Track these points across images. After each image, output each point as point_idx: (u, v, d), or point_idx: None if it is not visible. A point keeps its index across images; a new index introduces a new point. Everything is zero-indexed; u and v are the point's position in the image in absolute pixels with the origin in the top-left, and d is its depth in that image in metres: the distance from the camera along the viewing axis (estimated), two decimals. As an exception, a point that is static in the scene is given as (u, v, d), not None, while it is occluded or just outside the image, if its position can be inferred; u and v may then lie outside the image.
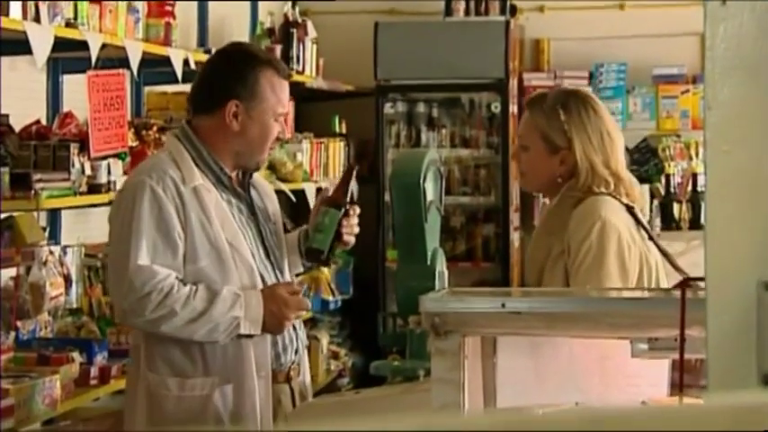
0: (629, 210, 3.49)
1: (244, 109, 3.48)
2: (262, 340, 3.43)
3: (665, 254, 3.50)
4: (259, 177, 3.74)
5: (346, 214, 3.54)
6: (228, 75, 3.53)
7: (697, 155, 7.22)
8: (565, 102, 3.53)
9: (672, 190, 7.29)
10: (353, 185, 3.62)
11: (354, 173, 3.65)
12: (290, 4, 7.37)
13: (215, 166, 3.49)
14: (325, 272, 7.20)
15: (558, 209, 3.51)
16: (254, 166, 3.56)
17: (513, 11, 7.88)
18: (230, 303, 3.35)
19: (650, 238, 3.49)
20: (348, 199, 3.55)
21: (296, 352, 3.57)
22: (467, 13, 7.82)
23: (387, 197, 7.13)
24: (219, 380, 3.39)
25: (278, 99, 3.51)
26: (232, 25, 7.09)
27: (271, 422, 3.44)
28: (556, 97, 3.57)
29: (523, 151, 3.59)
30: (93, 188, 4.75)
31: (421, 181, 3.66)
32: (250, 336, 3.41)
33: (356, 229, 3.58)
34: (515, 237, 7.73)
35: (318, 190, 6.92)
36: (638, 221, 3.50)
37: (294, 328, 3.57)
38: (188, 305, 3.32)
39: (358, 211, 3.59)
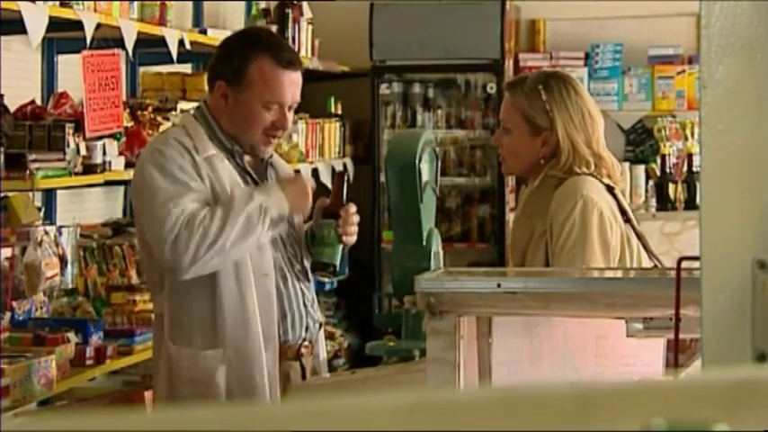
0: (610, 190, 3.49)
1: (230, 91, 3.47)
2: (269, 312, 3.44)
3: (639, 237, 3.50)
4: (279, 159, 3.72)
5: (339, 218, 3.54)
6: (222, 55, 3.54)
7: (693, 135, 7.22)
8: (545, 82, 3.53)
9: (667, 170, 7.29)
10: (348, 165, 3.63)
11: (345, 179, 3.62)
12: (285, -16, 7.35)
13: (227, 143, 3.49)
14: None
15: (539, 190, 3.51)
16: (249, 150, 3.53)
17: (509, -9, 7.86)
18: (248, 196, 3.38)
19: (627, 220, 3.49)
20: (343, 204, 3.56)
21: (306, 329, 3.57)
22: (462, -7, 7.80)
23: (382, 178, 7.13)
24: (228, 352, 3.41)
25: (268, 88, 3.44)
26: (227, 5, 7.07)
27: (278, 393, 3.45)
28: (536, 78, 3.57)
29: (506, 134, 3.58)
30: (89, 168, 4.75)
31: (417, 162, 3.66)
32: (283, 220, 3.43)
33: (353, 228, 3.57)
34: (511, 217, 7.73)
35: (314, 171, 6.92)
36: (618, 203, 3.50)
37: (305, 306, 3.57)
38: (215, 216, 3.33)
39: (353, 209, 3.58)
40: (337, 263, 3.53)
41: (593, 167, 3.47)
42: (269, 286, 3.45)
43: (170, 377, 3.48)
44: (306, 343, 3.57)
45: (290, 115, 3.53)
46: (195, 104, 3.78)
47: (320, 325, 3.68)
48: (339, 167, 7.36)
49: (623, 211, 3.49)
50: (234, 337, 3.41)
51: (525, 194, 3.63)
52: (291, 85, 3.49)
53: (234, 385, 3.41)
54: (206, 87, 3.64)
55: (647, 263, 3.48)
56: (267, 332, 3.43)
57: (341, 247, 3.54)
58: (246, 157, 3.54)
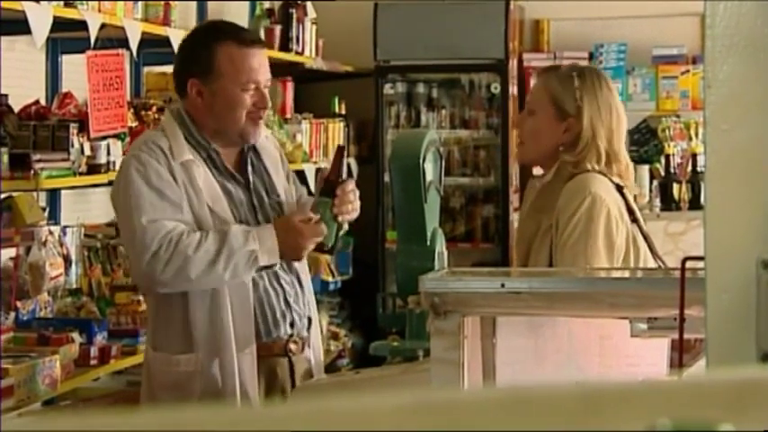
0: (619, 189, 3.48)
1: (204, 86, 3.47)
2: (245, 317, 3.44)
3: (645, 237, 3.49)
4: (265, 142, 3.67)
5: (336, 195, 3.50)
6: (184, 55, 3.57)
7: (697, 135, 7.21)
8: (580, 71, 3.57)
9: (672, 170, 7.29)
10: (351, 165, 3.61)
11: (344, 153, 3.60)
12: (289, -16, 7.35)
13: (205, 144, 3.49)
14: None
15: (550, 186, 3.51)
16: (239, 139, 3.52)
17: (513, -9, 7.86)
18: (243, 239, 3.36)
19: (634, 220, 3.48)
20: (341, 180, 3.53)
21: (291, 325, 3.56)
22: (467, -7, 7.80)
23: (386, 178, 7.13)
24: (202, 356, 3.41)
25: (239, 69, 3.45)
26: (231, 5, 7.07)
27: (257, 397, 3.45)
28: (571, 67, 3.66)
29: (530, 116, 3.58)
30: (93, 168, 4.75)
31: (421, 162, 3.66)
32: (270, 266, 3.43)
33: (350, 207, 3.53)
34: (515, 217, 7.73)
35: (318, 171, 6.92)
36: (626, 202, 3.50)
37: (286, 302, 3.56)
38: (201, 248, 3.33)
39: (351, 186, 3.55)
40: (332, 242, 3.51)
41: (603, 163, 3.47)
42: (245, 287, 3.45)
43: (149, 381, 3.51)
44: (294, 338, 3.56)
45: (267, 93, 3.54)
46: (172, 107, 3.77)
47: (309, 320, 3.66)
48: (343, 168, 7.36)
49: (631, 211, 3.49)
50: (207, 342, 3.42)
51: (536, 189, 3.63)
52: (261, 63, 3.52)
53: (207, 390, 3.41)
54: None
55: (651, 264, 3.48)
56: (243, 334, 3.43)
57: (336, 225, 3.51)
58: (222, 150, 3.53)
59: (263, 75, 3.51)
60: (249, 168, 3.56)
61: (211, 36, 3.51)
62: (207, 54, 3.46)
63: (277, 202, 3.60)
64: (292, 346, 3.55)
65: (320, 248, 3.52)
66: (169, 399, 3.43)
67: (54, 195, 5.11)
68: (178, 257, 3.32)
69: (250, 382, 3.44)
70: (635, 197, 3.66)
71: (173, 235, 3.33)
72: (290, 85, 7.11)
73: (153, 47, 5.40)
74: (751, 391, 1.23)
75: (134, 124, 5.22)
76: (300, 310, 3.60)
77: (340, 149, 3.63)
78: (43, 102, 4.95)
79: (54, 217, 5.05)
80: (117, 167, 4.84)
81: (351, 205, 3.53)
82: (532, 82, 7.87)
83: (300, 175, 6.51)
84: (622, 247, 3.41)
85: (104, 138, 4.82)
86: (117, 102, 4.90)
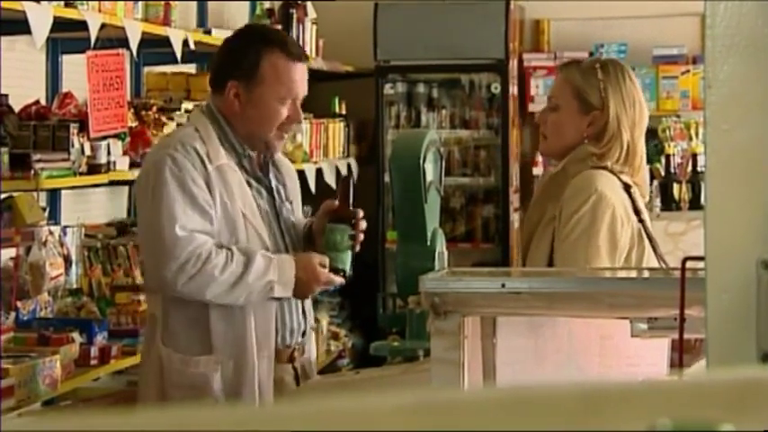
0: (627, 189, 3.48)
1: (244, 90, 3.46)
2: (266, 322, 3.45)
3: (650, 239, 3.49)
4: (282, 157, 3.71)
5: (354, 226, 3.54)
6: (231, 55, 3.53)
7: (697, 135, 7.21)
8: (603, 64, 3.56)
9: (672, 170, 7.28)
10: (351, 165, 3.64)
11: (351, 184, 3.62)
12: (289, -16, 7.35)
13: (238, 147, 3.49)
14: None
15: (559, 175, 3.50)
16: (263, 148, 3.53)
17: (514, -9, 7.86)
18: (264, 267, 3.38)
19: (640, 221, 3.48)
20: (352, 210, 3.57)
21: (303, 334, 3.59)
22: (467, -7, 7.79)
23: (386, 178, 7.12)
24: (221, 358, 3.41)
25: (281, 82, 3.46)
26: (232, 5, 7.08)
27: (271, 401, 3.46)
28: (593, 60, 3.65)
29: (552, 111, 3.56)
30: (93, 168, 4.74)
31: (421, 162, 3.66)
32: (279, 299, 3.45)
33: (362, 235, 3.59)
34: (515, 218, 7.73)
35: (319, 171, 6.92)
36: (633, 202, 3.49)
37: (303, 312, 3.58)
38: (226, 270, 3.34)
39: (362, 214, 3.59)
40: (348, 268, 3.55)
41: (624, 156, 3.47)
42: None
43: (160, 380, 3.47)
44: (298, 346, 3.58)
45: (300, 107, 3.55)
46: (203, 103, 3.76)
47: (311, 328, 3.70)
48: (343, 168, 7.36)
49: (638, 211, 3.48)
50: (228, 344, 3.41)
51: (545, 178, 3.64)
52: (303, 78, 3.53)
53: (226, 391, 3.41)
54: (210, 89, 3.63)
55: (654, 264, 3.47)
56: (263, 339, 3.44)
57: (351, 252, 3.56)
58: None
59: (303, 89, 3.52)
60: (270, 174, 3.57)
61: (261, 41, 3.49)
62: (253, 58, 3.45)
63: (292, 210, 3.63)
64: (296, 354, 3.57)
65: (336, 274, 3.55)
66: (184, 398, 3.42)
67: (54, 195, 5.11)
68: (203, 276, 3.33)
69: (266, 387, 3.44)
70: (649, 199, 3.66)
71: (202, 251, 3.33)
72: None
73: (153, 47, 5.40)
74: (751, 391, 1.23)
75: (134, 124, 5.21)
76: (311, 319, 3.64)
77: (346, 180, 3.68)
78: (43, 102, 4.95)
79: (54, 217, 5.05)
80: (117, 167, 4.86)
81: (361, 235, 3.58)
82: (533, 82, 7.92)
83: (300, 175, 6.50)
84: (626, 247, 3.41)
85: (104, 138, 4.82)
86: (117, 102, 4.90)
